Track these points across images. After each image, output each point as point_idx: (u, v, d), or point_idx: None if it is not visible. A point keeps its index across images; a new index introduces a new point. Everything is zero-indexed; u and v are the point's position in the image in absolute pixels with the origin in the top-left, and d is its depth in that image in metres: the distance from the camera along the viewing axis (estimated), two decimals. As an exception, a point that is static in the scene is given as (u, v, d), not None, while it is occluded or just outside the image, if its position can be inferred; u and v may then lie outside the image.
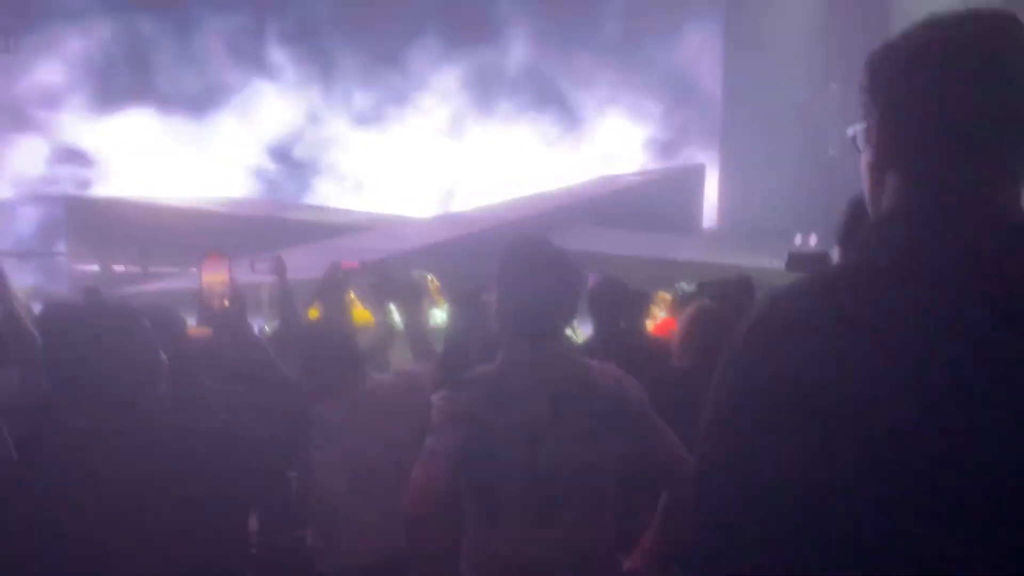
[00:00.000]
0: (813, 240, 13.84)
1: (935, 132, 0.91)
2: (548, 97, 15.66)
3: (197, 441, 1.63)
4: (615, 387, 1.60)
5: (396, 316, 3.50)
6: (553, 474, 1.56)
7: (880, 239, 0.90)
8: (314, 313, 4.83)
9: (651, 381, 2.14)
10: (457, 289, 3.40)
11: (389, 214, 15.02)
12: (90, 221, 13.46)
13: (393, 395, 2.52)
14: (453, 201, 15.52)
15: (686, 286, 5.23)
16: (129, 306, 1.74)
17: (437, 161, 15.65)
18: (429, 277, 5.76)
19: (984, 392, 0.78)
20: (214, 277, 2.20)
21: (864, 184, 1.00)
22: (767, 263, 11.42)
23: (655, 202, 13.88)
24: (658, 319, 5.38)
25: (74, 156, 14.18)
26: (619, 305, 3.23)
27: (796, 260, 3.16)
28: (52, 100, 14.03)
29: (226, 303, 2.20)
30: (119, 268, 12.59)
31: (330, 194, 15.35)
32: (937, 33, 0.93)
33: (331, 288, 4.80)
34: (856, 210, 1.49)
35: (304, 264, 10.11)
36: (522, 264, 1.64)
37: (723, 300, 4.39)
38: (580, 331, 6.34)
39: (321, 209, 14.60)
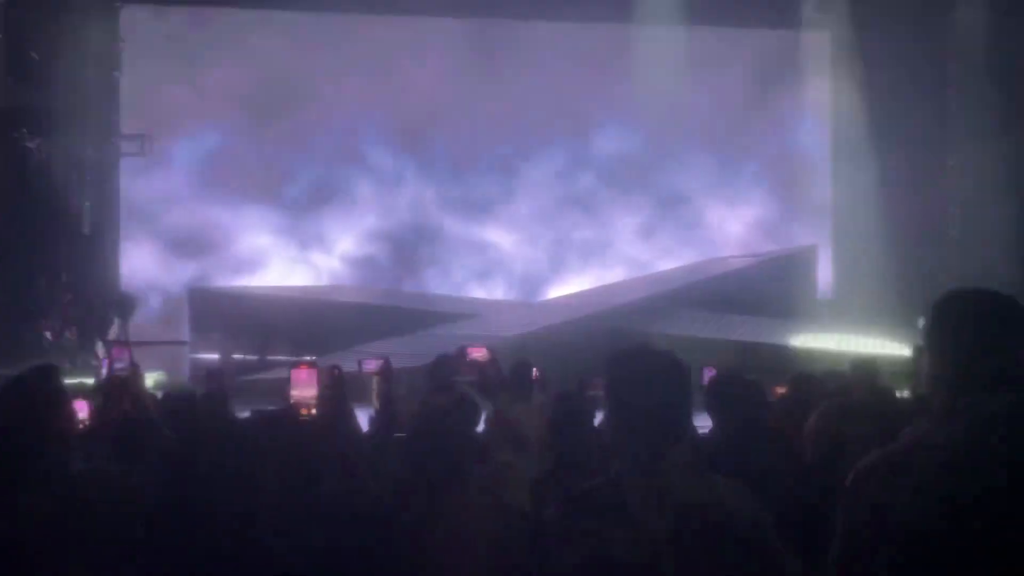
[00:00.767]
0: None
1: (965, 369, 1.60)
2: (647, 179, 15.69)
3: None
4: (740, 511, 1.55)
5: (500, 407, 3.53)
6: None
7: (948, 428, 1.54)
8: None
9: (775, 481, 2.06)
10: (562, 391, 3.40)
11: (491, 300, 15.18)
12: (211, 311, 14.16)
13: (490, 510, 2.47)
14: (554, 287, 15.57)
15: (804, 373, 5.08)
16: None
17: (537, 247, 15.79)
18: (533, 369, 5.74)
19: None
20: (303, 391, 2.28)
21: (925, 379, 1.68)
22: (886, 348, 10.97)
23: (764, 285, 13.61)
24: (775, 410, 5.21)
25: (195, 248, 15.01)
26: (739, 400, 3.17)
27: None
28: (178, 196, 14.97)
29: (313, 412, 2.28)
30: (237, 357, 13.12)
31: (433, 282, 15.66)
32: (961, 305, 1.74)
33: (441, 375, 4.86)
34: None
35: (409, 351, 10.33)
36: (636, 370, 1.62)
37: (844, 390, 4.24)
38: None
39: (425, 296, 14.90)
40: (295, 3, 13.60)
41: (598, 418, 3.61)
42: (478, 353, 3.54)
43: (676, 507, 1.51)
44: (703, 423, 3.84)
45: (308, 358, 3.22)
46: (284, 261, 15.34)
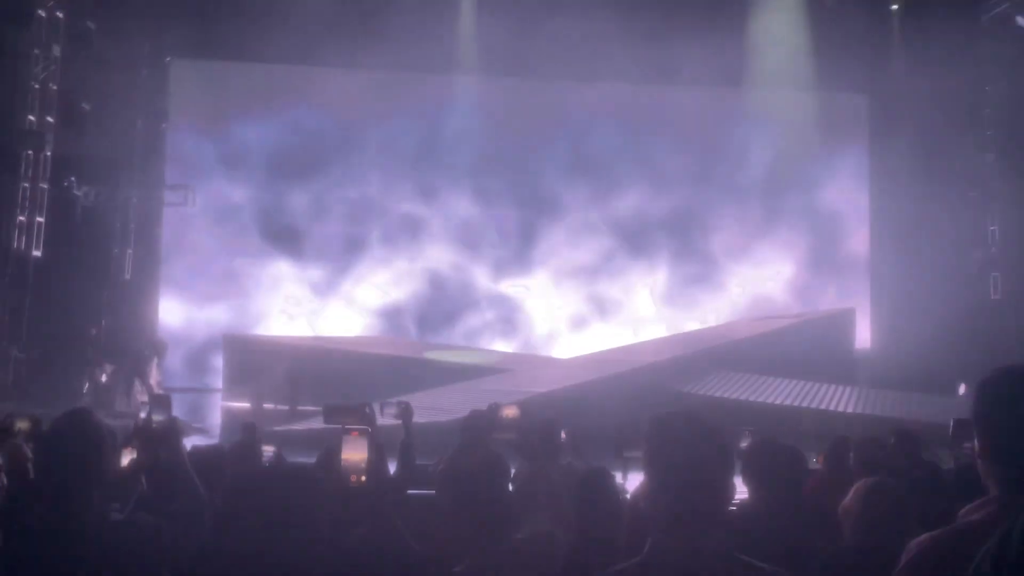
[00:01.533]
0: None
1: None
2: (687, 239, 15.69)
3: None
4: None
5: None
6: None
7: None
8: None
9: (810, 558, 1.99)
10: (589, 470, 3.35)
11: (527, 354, 15.14)
12: (244, 359, 14.27)
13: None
14: (592, 342, 15.51)
15: (842, 441, 4.97)
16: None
17: (575, 301, 15.78)
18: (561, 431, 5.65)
19: None
20: (353, 455, 2.26)
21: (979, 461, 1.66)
22: (927, 415, 10.71)
23: (801, 347, 13.41)
24: (814, 480, 5.09)
25: (232, 296, 15.20)
26: (776, 469, 3.11)
27: (333, 413, 3.00)
28: (218, 245, 15.22)
29: (363, 479, 2.26)
30: (268, 406, 13.17)
31: (470, 334, 15.69)
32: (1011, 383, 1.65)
33: (472, 432, 4.82)
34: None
35: (444, 405, 10.28)
36: (676, 443, 1.57)
37: (885, 461, 4.13)
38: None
39: (461, 350, 14.90)
40: (333, 62, 13.97)
41: (631, 481, 3.55)
42: (510, 411, 3.51)
43: None
44: (740, 489, 3.77)
45: (387, 407, 3.20)
46: (319, 311, 15.48)
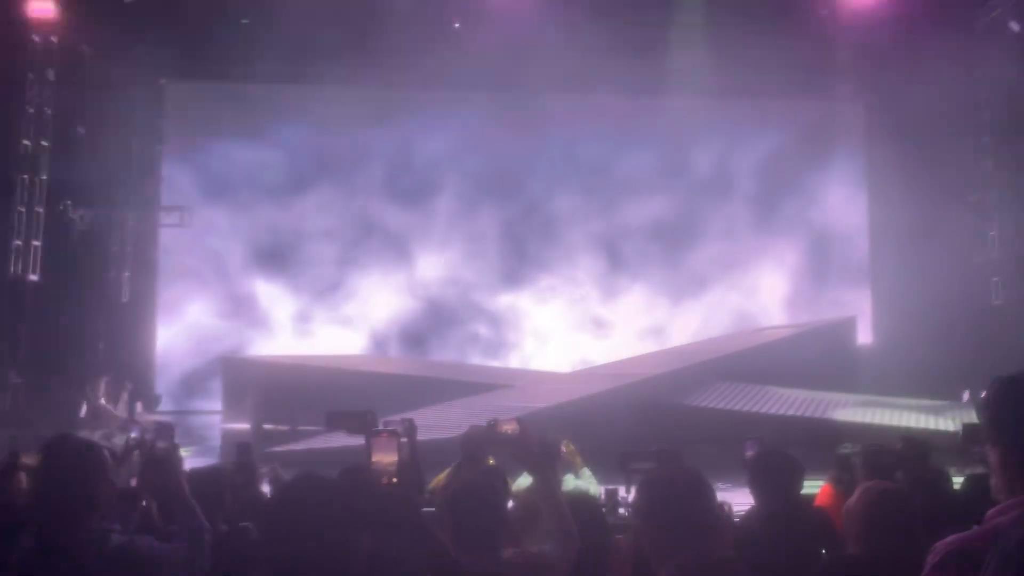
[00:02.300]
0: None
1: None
2: (683, 250, 15.68)
3: None
4: None
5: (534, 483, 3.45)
6: None
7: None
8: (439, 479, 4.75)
9: (813, 565, 1.97)
10: (577, 497, 3.32)
11: (527, 370, 15.10)
12: (243, 380, 14.23)
13: None
14: (590, 356, 15.48)
15: (849, 448, 4.95)
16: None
17: (573, 316, 15.75)
18: (565, 442, 5.65)
19: None
20: (383, 457, 2.26)
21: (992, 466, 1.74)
22: (931, 422, 10.68)
23: (803, 357, 13.38)
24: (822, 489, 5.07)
25: (229, 317, 15.17)
26: (781, 478, 3.10)
27: (335, 419, 3.00)
28: (214, 266, 15.21)
29: (394, 480, 2.26)
30: (268, 427, 13.13)
31: (470, 351, 15.65)
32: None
33: (476, 449, 4.78)
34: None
35: (443, 422, 10.24)
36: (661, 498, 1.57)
37: (890, 467, 4.11)
38: (593, 481, 5.95)
39: (461, 367, 14.87)
40: (331, 80, 14.01)
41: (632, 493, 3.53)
42: (509, 426, 3.48)
43: None
44: (747, 499, 3.75)
45: (390, 424, 3.19)
46: (315, 330, 15.44)
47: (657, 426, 9.48)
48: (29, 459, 4.67)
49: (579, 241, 15.91)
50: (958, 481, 4.83)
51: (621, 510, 5.41)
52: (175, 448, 3.52)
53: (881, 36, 13.89)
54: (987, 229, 14.62)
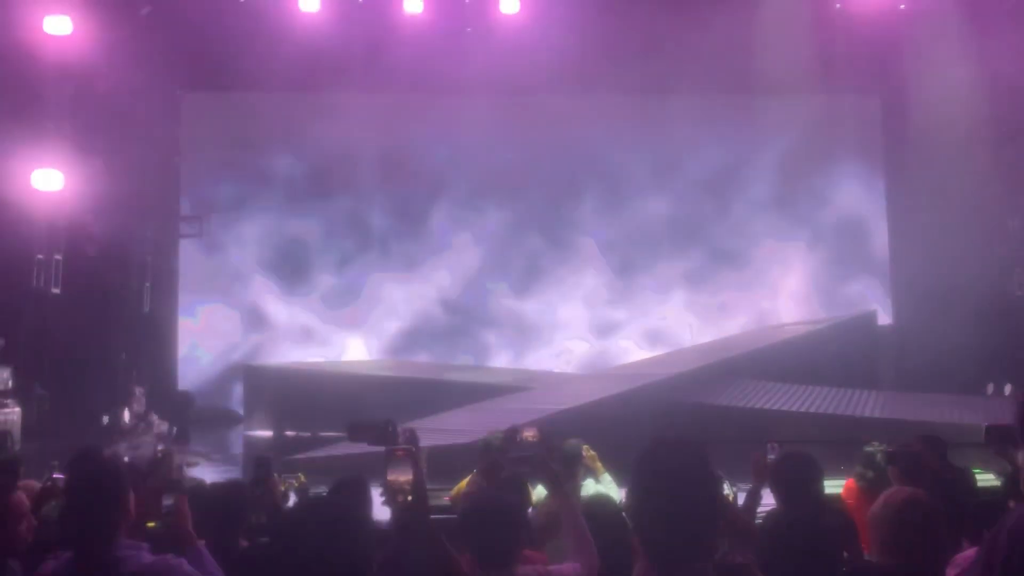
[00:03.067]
0: (1008, 391, 12.70)
1: None
2: (701, 248, 15.60)
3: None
4: None
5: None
6: None
7: None
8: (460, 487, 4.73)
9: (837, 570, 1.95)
10: (593, 498, 3.30)
11: (545, 372, 15.07)
12: (264, 387, 14.32)
13: None
14: (608, 357, 15.44)
15: (875, 447, 4.90)
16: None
17: (590, 317, 15.72)
18: (585, 447, 5.60)
19: None
20: (399, 475, 2.26)
21: None
22: (954, 418, 10.57)
23: (822, 353, 13.28)
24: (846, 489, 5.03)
25: (250, 326, 15.27)
26: (804, 480, 3.10)
27: (356, 430, 3.00)
28: (234, 276, 15.32)
29: (409, 499, 2.25)
30: (290, 434, 13.21)
31: (486, 354, 15.65)
32: None
33: (491, 456, 4.77)
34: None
35: (462, 426, 10.24)
36: (657, 473, 1.48)
37: (915, 464, 4.08)
38: (614, 487, 5.90)
39: (478, 370, 14.88)
40: (346, 88, 14.07)
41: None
42: (529, 433, 3.47)
43: None
44: (769, 501, 3.74)
45: (404, 444, 3.20)
46: (337, 337, 15.51)
47: (677, 426, 9.44)
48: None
49: (593, 241, 15.88)
50: (982, 478, 4.78)
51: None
52: (169, 452, 3.54)
53: (897, 28, 13.77)
54: (1008, 220, 14.43)
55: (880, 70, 14.98)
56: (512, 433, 3.84)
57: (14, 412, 10.79)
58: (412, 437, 3.29)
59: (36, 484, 3.93)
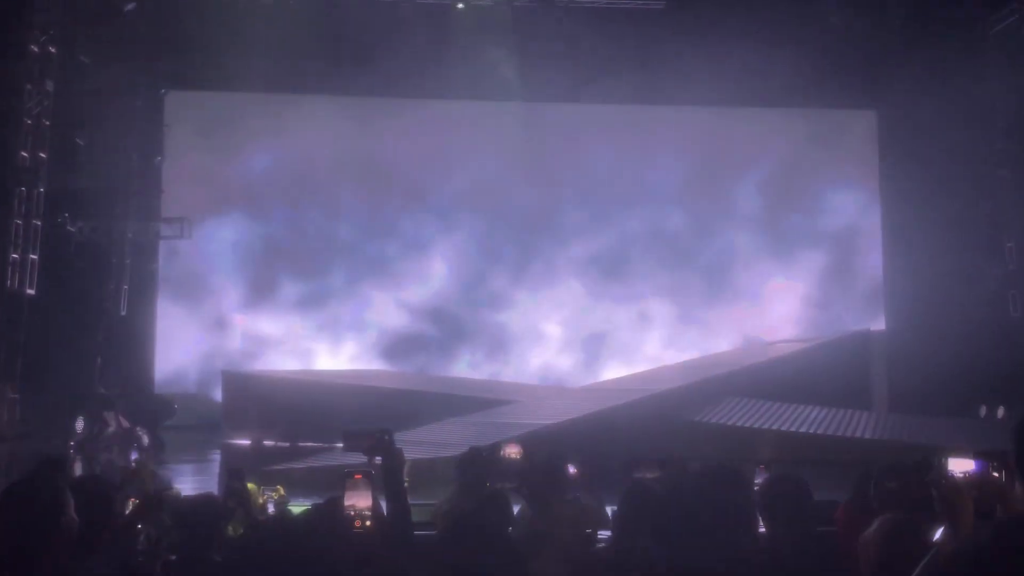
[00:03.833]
0: (1000, 413, 12.73)
1: None
2: (693, 262, 15.60)
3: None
4: None
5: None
6: None
7: None
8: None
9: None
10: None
11: (531, 385, 15.00)
12: (243, 395, 14.18)
13: None
14: (598, 371, 15.40)
15: (871, 470, 4.87)
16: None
17: (577, 329, 15.69)
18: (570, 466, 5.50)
19: None
20: (356, 500, 2.22)
21: None
22: (948, 439, 10.56)
23: (815, 371, 13.27)
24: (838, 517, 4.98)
25: (231, 331, 15.16)
26: (793, 507, 3.03)
27: (351, 439, 2.99)
28: (215, 279, 15.22)
29: (367, 524, 2.21)
30: (269, 443, 13.08)
31: (475, 365, 15.58)
32: None
33: (473, 471, 4.70)
34: None
35: (447, 440, 10.16)
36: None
37: (905, 487, 4.03)
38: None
39: (463, 381, 14.80)
40: (329, 88, 14.05)
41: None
42: (512, 450, 3.42)
43: None
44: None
45: (365, 435, 3.15)
46: (318, 345, 15.41)
47: (666, 443, 9.40)
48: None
49: (583, 252, 15.86)
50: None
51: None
52: (143, 464, 3.46)
53: (893, 42, 13.86)
54: (1003, 240, 14.50)
55: (876, 84, 15.06)
56: (494, 450, 3.79)
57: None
58: (379, 441, 3.22)
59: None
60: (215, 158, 15.20)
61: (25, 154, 12.86)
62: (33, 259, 12.86)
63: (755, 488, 3.57)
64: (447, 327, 15.56)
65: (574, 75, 13.83)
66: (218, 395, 14.61)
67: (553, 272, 15.82)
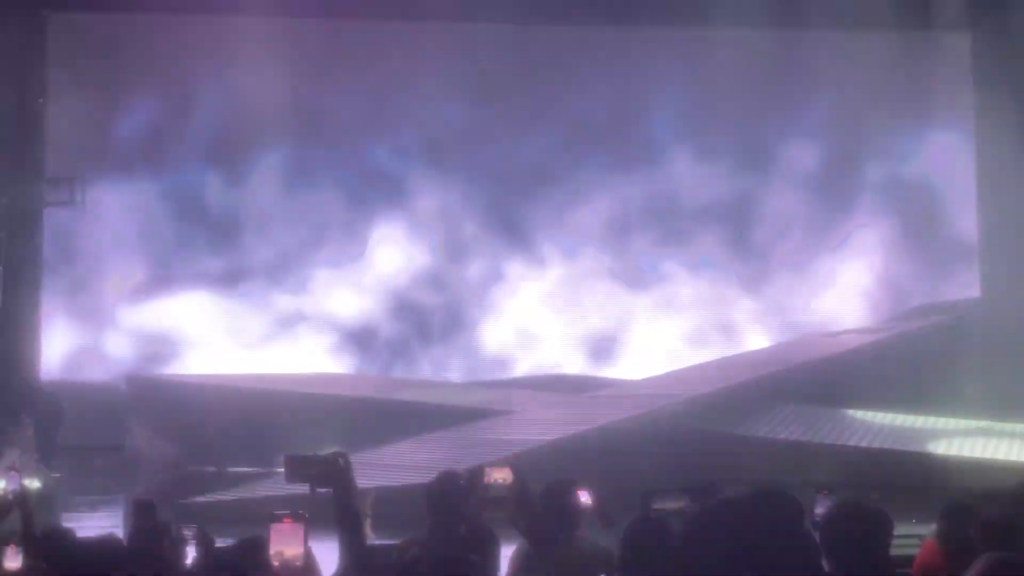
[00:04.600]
0: None
1: None
2: (735, 229, 15.63)
3: None
4: None
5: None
6: None
7: None
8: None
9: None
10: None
11: (529, 391, 15.05)
12: (156, 406, 14.23)
13: None
14: (610, 370, 15.45)
15: (963, 496, 4.96)
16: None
17: (588, 318, 15.72)
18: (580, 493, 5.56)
19: None
20: (286, 549, 2.27)
21: None
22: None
23: (888, 370, 13.37)
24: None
25: (137, 325, 15.17)
26: (871, 546, 3.10)
27: (295, 466, 3.05)
28: (116, 256, 15.20)
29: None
30: (192, 468, 13.16)
31: (454, 366, 15.61)
32: None
33: (445, 505, 4.72)
34: None
35: (422, 461, 10.21)
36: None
37: (1014, 519, 4.10)
38: None
39: (442, 387, 14.85)
40: (258, 6, 14.01)
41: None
42: (500, 474, 3.42)
43: None
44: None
45: (309, 461, 3.21)
46: (248, 342, 15.41)
47: (698, 464, 9.44)
48: None
49: (595, 219, 15.84)
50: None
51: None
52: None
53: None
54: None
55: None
56: (475, 474, 3.79)
57: None
58: (347, 472, 3.24)
59: None
60: (112, 99, 15.14)
61: None
62: None
63: (815, 521, 3.60)
64: (416, 317, 15.57)
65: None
66: (122, 407, 14.66)
67: (557, 246, 15.82)
